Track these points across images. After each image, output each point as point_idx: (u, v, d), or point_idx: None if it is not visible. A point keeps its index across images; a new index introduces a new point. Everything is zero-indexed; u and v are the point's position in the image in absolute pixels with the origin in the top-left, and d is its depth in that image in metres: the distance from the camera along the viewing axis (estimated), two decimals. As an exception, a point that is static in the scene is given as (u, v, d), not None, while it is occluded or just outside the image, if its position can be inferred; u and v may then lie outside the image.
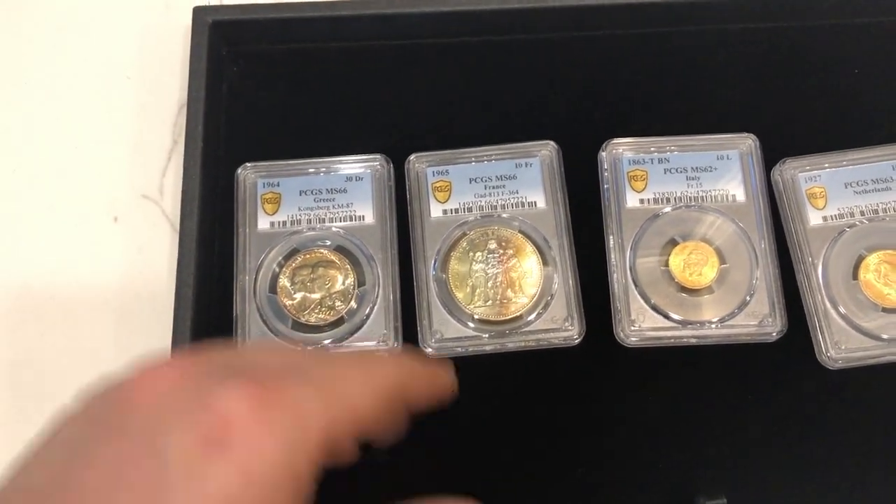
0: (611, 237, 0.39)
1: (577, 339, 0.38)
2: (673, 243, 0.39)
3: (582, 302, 0.38)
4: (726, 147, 0.41)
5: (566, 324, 0.38)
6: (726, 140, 0.41)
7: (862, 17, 0.44)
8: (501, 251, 0.39)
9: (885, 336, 0.37)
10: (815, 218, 0.39)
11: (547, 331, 0.38)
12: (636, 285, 0.39)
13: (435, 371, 0.27)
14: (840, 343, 0.37)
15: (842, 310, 0.38)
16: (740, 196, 0.40)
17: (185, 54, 0.43)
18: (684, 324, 0.38)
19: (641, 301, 0.39)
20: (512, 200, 0.40)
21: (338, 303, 0.38)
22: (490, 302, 0.38)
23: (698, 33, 0.44)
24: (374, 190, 0.40)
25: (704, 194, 0.40)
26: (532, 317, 0.38)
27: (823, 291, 0.38)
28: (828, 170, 0.40)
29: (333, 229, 0.40)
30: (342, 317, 0.38)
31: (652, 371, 0.38)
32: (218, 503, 0.19)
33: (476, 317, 0.38)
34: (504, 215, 0.40)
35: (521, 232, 0.39)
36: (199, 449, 0.19)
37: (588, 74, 0.43)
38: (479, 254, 0.39)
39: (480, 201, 0.40)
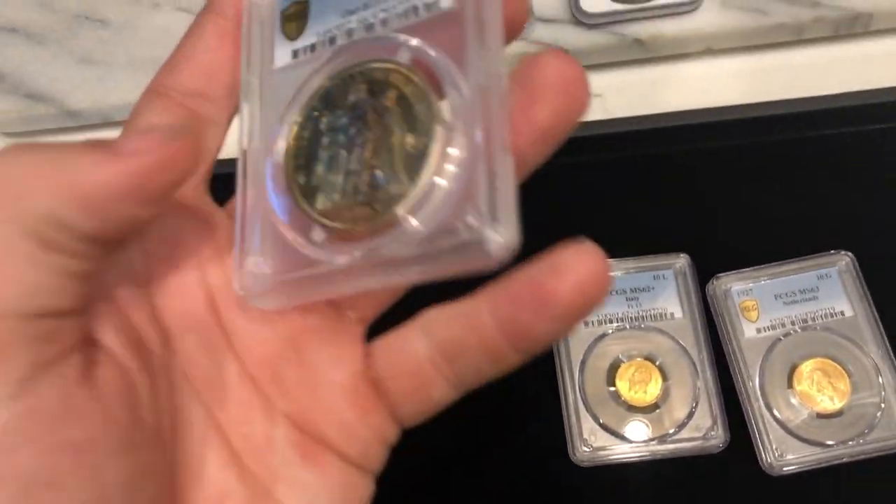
0: (558, 361, 0.42)
1: (499, 250, 0.19)
2: (618, 363, 0.42)
3: (516, 193, 0.20)
4: (661, 268, 0.43)
5: (483, 220, 0.20)
6: (661, 261, 0.44)
7: (780, 135, 0.47)
8: (375, 100, 0.22)
9: (823, 441, 0.39)
10: (749, 330, 0.42)
11: (451, 246, 0.20)
12: (586, 406, 0.41)
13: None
14: (780, 450, 0.39)
15: (780, 418, 0.40)
16: (678, 313, 0.42)
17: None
18: (634, 441, 0.40)
19: (592, 422, 0.41)
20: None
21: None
22: (347, 196, 0.22)
23: (624, 159, 0.47)
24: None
25: (644, 313, 0.43)
26: (418, 215, 0.21)
27: (761, 401, 0.41)
28: (758, 283, 0.43)
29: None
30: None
31: (606, 489, 0.40)
32: None
33: (324, 225, 0.22)
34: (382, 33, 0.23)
35: (403, 63, 0.22)
36: None
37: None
38: (333, 112, 0.23)
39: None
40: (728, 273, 0.43)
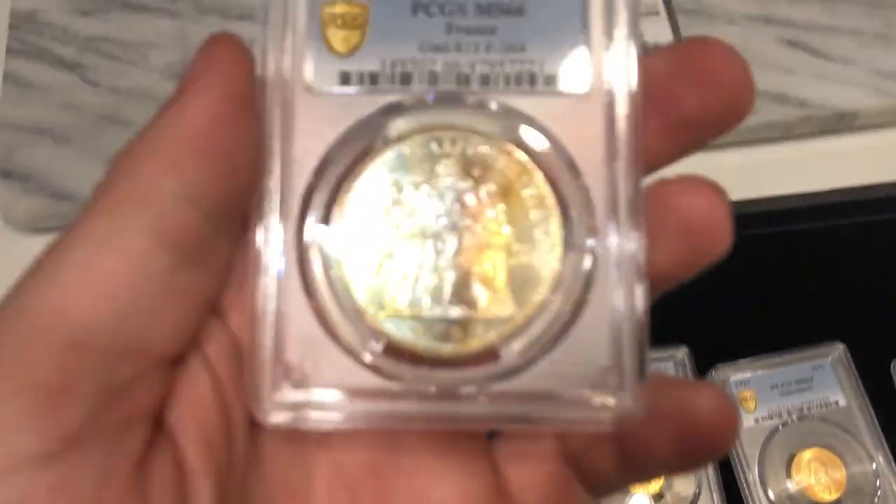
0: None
1: (623, 422, 0.18)
2: (622, 453, 0.43)
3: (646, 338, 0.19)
4: (662, 359, 0.45)
5: (605, 378, 0.18)
6: (661, 353, 0.45)
7: (771, 229, 0.49)
8: (471, 184, 0.18)
9: (822, 530, 0.41)
10: (747, 420, 0.44)
11: (556, 400, 0.17)
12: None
13: None
14: (782, 541, 0.41)
15: (780, 507, 0.42)
16: (679, 404, 0.44)
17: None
18: (639, 531, 0.41)
19: (599, 513, 0.42)
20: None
21: None
22: (429, 307, 0.18)
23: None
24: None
25: (647, 405, 0.44)
26: (519, 352, 0.18)
27: (761, 490, 0.42)
28: (756, 374, 0.45)
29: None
30: None
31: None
32: None
33: (390, 341, 0.18)
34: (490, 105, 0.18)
35: (518, 146, 0.18)
36: None
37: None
38: (416, 189, 0.18)
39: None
40: (726, 364, 0.45)
